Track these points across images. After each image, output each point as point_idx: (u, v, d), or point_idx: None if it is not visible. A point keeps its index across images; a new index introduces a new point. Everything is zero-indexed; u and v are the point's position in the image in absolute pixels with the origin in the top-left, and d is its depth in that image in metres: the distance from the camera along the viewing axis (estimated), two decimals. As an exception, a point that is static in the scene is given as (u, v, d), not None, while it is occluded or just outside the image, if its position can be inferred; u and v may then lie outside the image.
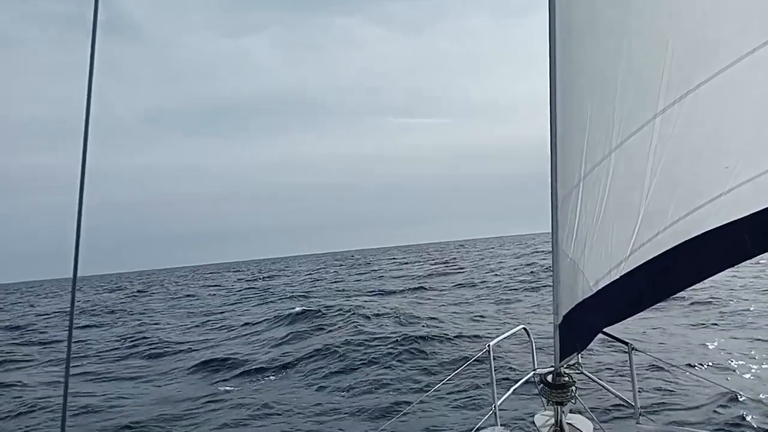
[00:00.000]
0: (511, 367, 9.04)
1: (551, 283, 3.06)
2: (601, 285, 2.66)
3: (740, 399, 7.27)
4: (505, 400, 3.62)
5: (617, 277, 2.56)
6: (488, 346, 3.58)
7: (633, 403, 3.39)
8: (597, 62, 2.41)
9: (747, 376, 8.54)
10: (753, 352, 9.68)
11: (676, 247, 2.29)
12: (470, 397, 8.38)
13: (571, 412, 3.51)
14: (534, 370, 3.71)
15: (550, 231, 2.99)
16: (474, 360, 3.92)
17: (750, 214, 2.05)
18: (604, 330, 3.03)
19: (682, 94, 2.11)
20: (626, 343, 3.45)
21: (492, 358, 3.58)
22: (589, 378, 3.60)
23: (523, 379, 3.82)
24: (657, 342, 11.14)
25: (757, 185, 2.02)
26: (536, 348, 3.95)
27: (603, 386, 3.61)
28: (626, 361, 3.55)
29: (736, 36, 1.95)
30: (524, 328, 4.04)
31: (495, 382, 3.56)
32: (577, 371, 3.49)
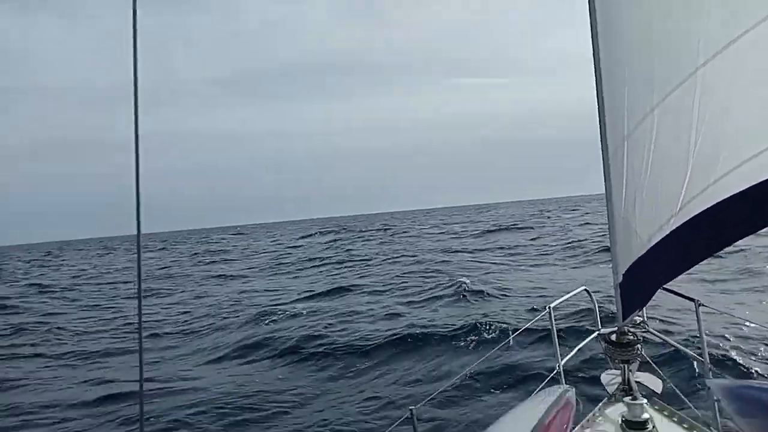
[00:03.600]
0: (575, 329, 8.98)
1: None
2: (654, 241, 2.66)
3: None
4: (569, 359, 3.63)
5: (668, 232, 2.55)
6: (548, 307, 3.60)
7: (702, 359, 3.36)
8: (636, 17, 2.38)
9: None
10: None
11: (726, 199, 2.26)
12: (535, 357, 8.44)
13: (638, 370, 3.51)
14: (599, 330, 3.71)
15: (604, 192, 2.98)
16: (536, 320, 3.93)
17: None
18: (668, 288, 3.02)
19: (724, 45, 2.08)
20: (692, 300, 3.41)
21: (553, 319, 3.60)
22: (656, 335, 3.58)
23: (588, 339, 3.82)
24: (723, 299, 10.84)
25: None
26: (599, 308, 3.94)
27: (670, 343, 3.59)
28: (693, 318, 3.51)
29: None
30: (586, 289, 4.03)
31: (558, 343, 3.58)
32: (643, 329, 3.47)
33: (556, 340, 3.60)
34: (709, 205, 2.34)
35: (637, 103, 2.49)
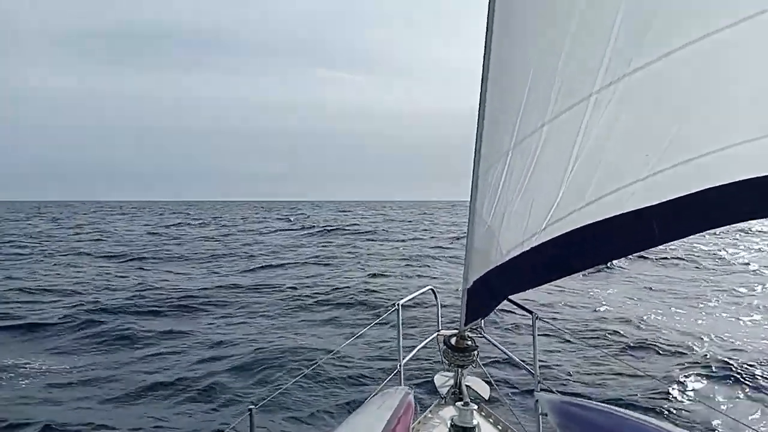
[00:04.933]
0: (418, 327, 9.23)
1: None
2: (513, 254, 2.70)
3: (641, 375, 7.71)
4: (410, 360, 3.66)
5: (528, 248, 2.60)
6: (397, 304, 3.59)
7: (533, 372, 3.50)
8: (539, 37, 2.38)
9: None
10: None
11: (586, 226, 2.34)
12: (380, 356, 8.56)
13: (469, 375, 3.60)
14: (438, 331, 3.77)
15: (470, 197, 2.99)
16: (383, 318, 3.92)
17: (660, 203, 2.10)
18: (511, 298, 3.10)
19: (618, 76, 2.12)
20: (531, 312, 3.54)
21: (400, 317, 3.60)
22: (491, 343, 3.70)
23: (427, 340, 3.88)
24: (564, 312, 11.69)
25: (672, 176, 2.08)
26: (441, 309, 4.01)
27: (504, 352, 3.71)
28: (530, 328, 3.66)
29: (672, 28, 1.97)
30: (432, 289, 4.10)
31: (402, 342, 3.58)
32: (480, 335, 3.58)
33: (401, 339, 3.60)
34: (570, 229, 2.41)
35: (529, 116, 2.49)
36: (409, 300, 3.77)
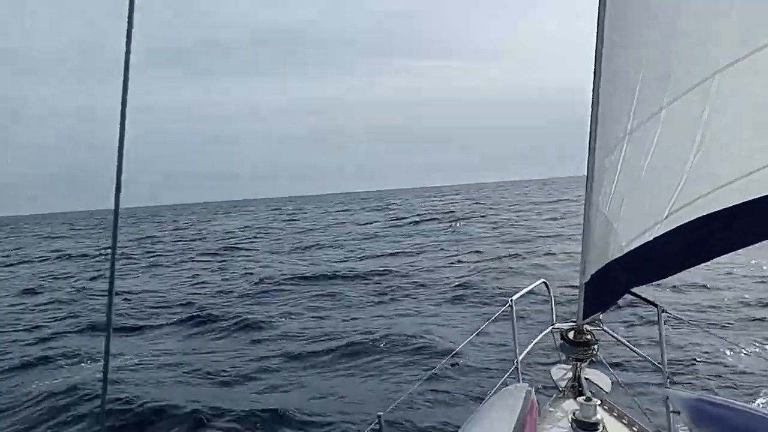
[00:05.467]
0: (533, 322, 9.04)
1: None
2: (633, 245, 2.58)
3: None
4: (526, 355, 3.60)
5: (651, 238, 2.48)
6: (511, 300, 3.54)
7: (661, 367, 3.34)
8: (655, 14, 2.26)
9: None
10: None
11: (714, 213, 2.20)
12: (497, 352, 8.48)
13: (588, 368, 3.49)
14: (552, 324, 3.68)
15: (585, 186, 2.89)
16: (498, 315, 3.86)
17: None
18: (633, 291, 2.97)
19: (745, 54, 1.97)
20: (656, 305, 3.36)
21: (514, 313, 3.55)
22: (613, 337, 3.55)
23: (542, 334, 3.78)
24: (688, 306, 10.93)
25: None
26: (556, 303, 3.91)
27: (628, 346, 3.55)
28: (655, 323, 3.48)
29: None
30: (545, 283, 3.99)
31: (517, 338, 3.53)
32: (599, 328, 3.44)
33: (516, 335, 3.55)
34: (696, 217, 2.28)
35: (645, 101, 2.37)
36: (523, 295, 3.70)
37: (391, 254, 22.53)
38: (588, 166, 2.83)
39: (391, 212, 54.12)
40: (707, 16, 2.05)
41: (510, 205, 52.66)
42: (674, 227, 2.37)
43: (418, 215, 45.20)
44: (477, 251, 21.08)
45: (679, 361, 7.67)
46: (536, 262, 17.51)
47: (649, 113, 2.36)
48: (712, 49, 2.06)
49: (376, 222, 42.60)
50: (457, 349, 4.86)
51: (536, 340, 3.74)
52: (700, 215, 2.26)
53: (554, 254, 18.90)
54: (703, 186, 2.23)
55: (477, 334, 3.84)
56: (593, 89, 2.60)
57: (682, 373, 7.25)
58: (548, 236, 24.31)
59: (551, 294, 4.12)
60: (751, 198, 2.08)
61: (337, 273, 18.08)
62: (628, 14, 2.33)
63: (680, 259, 2.46)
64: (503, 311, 3.64)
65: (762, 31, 1.91)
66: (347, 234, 33.73)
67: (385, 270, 17.92)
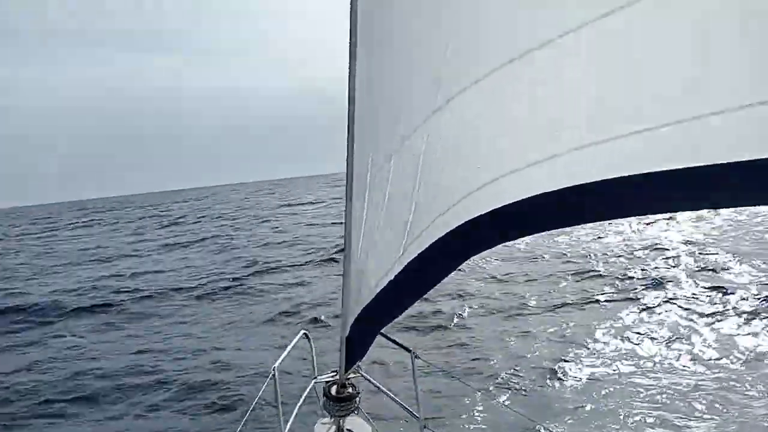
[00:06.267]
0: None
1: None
2: (380, 287, 2.58)
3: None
4: (292, 423, 3.38)
5: (392, 277, 2.51)
6: (273, 369, 3.32)
7: (416, 413, 3.35)
8: (391, 62, 2.29)
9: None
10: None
11: (432, 244, 2.29)
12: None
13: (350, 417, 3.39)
14: (314, 378, 3.54)
15: (344, 233, 2.82)
16: (263, 390, 3.56)
17: (488, 212, 2.08)
18: (388, 335, 2.96)
19: (454, 93, 2.03)
20: (409, 350, 3.41)
21: (278, 384, 3.32)
22: (372, 383, 3.51)
23: (305, 393, 3.63)
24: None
25: (499, 185, 2.02)
26: (317, 353, 3.80)
27: (386, 393, 3.53)
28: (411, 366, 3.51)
29: (496, 45, 1.87)
30: (305, 333, 3.87)
31: (281, 407, 3.31)
32: (357, 374, 3.38)
33: (281, 404, 3.32)
34: (421, 249, 2.33)
35: (385, 139, 2.36)
36: (285, 357, 3.48)
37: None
38: (345, 210, 2.75)
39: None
40: (426, 62, 2.10)
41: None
42: (407, 262, 2.42)
43: None
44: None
45: (434, 405, 8.04)
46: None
47: (384, 154, 2.40)
48: (429, 92, 2.11)
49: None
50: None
51: (300, 402, 3.55)
52: (423, 248, 2.33)
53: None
54: (424, 220, 2.30)
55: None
56: (348, 125, 2.52)
57: (437, 417, 7.60)
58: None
59: (312, 345, 3.99)
60: (456, 225, 2.19)
61: None
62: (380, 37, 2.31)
63: (414, 289, 2.56)
64: (267, 382, 3.39)
65: (463, 75, 1.98)
66: None
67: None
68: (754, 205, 1.55)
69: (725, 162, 1.41)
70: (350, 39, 2.31)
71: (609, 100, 1.64)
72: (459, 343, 11.28)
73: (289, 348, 3.62)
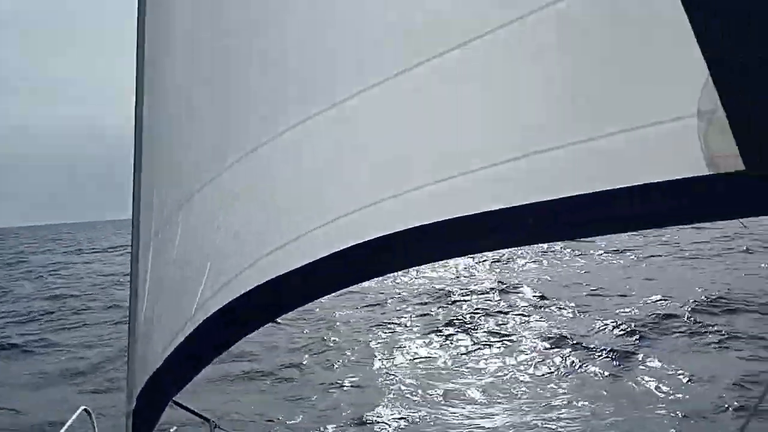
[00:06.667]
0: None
1: None
2: (168, 351, 2.37)
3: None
4: None
5: (182, 339, 2.32)
6: None
7: None
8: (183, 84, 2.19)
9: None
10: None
11: (229, 303, 2.16)
12: None
13: None
14: None
15: (129, 290, 2.57)
16: None
17: (288, 272, 2.02)
18: (182, 404, 2.74)
19: (251, 149, 1.99)
20: (208, 420, 3.18)
21: None
22: None
23: None
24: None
25: (301, 244, 1.99)
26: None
27: None
28: None
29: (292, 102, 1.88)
30: (86, 409, 3.41)
31: None
32: None
33: None
34: (215, 310, 2.19)
35: (174, 193, 2.23)
36: None
37: None
38: (131, 266, 2.52)
39: None
40: (222, 113, 2.05)
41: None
42: (199, 322, 2.26)
43: None
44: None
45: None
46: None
47: (176, 207, 2.26)
48: (225, 144, 2.07)
49: None
50: None
51: None
52: (220, 306, 2.19)
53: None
54: (222, 277, 2.18)
55: None
56: (134, 183, 2.34)
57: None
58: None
59: (94, 422, 3.51)
60: (245, 291, 2.10)
61: None
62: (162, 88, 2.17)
63: (208, 351, 2.37)
64: None
65: (263, 131, 1.95)
66: None
67: None
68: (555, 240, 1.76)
69: (519, 204, 1.51)
70: (136, 85, 2.17)
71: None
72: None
73: (67, 425, 3.16)
